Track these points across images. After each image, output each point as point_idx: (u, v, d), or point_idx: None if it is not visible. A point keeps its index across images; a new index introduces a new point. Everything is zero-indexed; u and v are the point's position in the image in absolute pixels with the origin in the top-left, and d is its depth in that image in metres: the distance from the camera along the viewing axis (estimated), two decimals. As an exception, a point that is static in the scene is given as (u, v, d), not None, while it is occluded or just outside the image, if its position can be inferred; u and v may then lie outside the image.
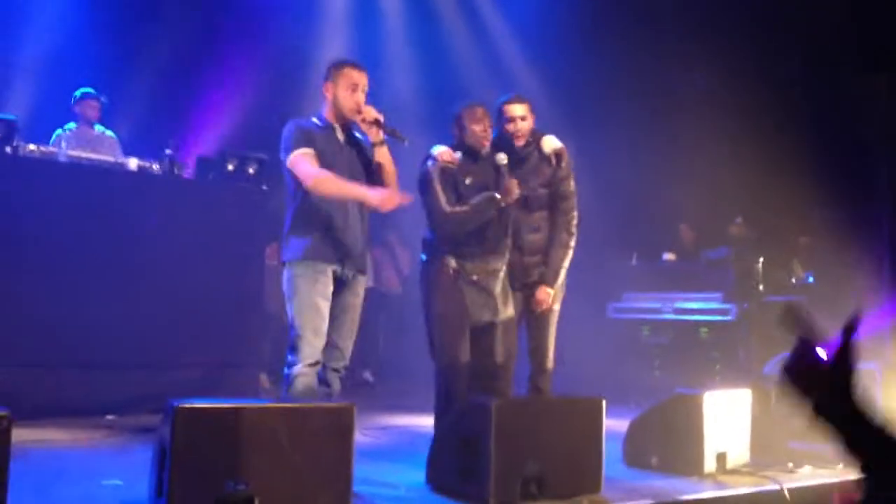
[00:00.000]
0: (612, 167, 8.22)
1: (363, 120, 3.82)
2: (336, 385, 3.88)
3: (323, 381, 3.82)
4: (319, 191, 3.73)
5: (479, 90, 8.46)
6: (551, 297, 4.37)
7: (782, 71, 8.35)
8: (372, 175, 3.91)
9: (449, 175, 4.21)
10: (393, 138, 3.83)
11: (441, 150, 4.27)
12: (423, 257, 4.37)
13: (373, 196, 3.71)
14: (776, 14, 8.28)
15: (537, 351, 4.42)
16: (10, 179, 5.50)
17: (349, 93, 3.84)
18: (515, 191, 4.14)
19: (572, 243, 4.40)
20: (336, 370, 3.87)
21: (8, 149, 5.53)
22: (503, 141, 4.33)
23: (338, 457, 2.98)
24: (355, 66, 3.92)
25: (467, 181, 4.21)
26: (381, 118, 3.83)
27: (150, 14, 8.26)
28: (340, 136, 3.91)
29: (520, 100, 4.39)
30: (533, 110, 4.40)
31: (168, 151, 6.29)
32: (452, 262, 4.21)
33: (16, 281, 5.36)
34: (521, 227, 4.36)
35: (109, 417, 5.39)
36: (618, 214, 8.31)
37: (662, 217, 8.33)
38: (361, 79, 3.89)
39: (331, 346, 3.81)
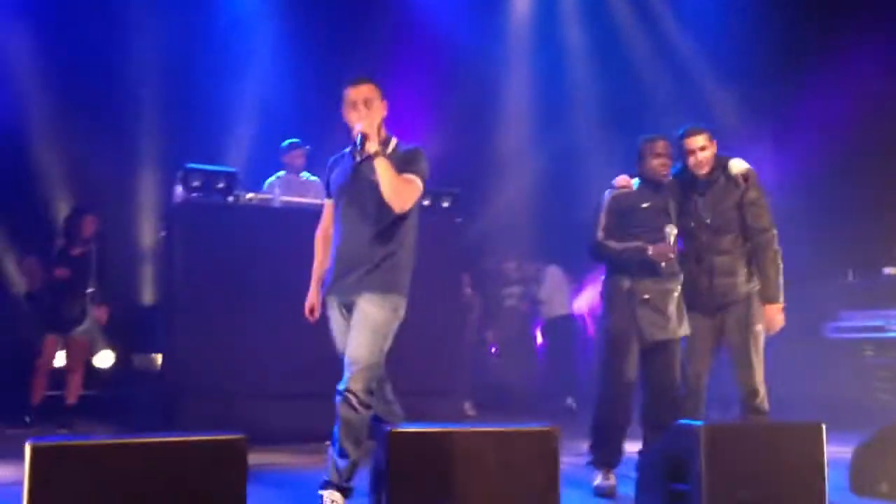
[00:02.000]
0: (824, 181, 7.84)
1: (355, 137, 3.61)
2: (342, 411, 3.54)
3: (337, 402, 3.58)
4: None
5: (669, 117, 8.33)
6: (781, 313, 4.30)
7: None
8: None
9: (623, 200, 4.34)
10: (362, 149, 3.55)
11: (619, 178, 4.42)
12: (602, 276, 4.52)
13: (309, 300, 3.85)
14: None
15: (744, 373, 4.32)
16: (233, 226, 6.01)
17: (349, 111, 3.71)
18: (669, 256, 4.18)
19: (780, 260, 4.35)
20: (340, 393, 3.55)
21: (230, 198, 6.05)
22: (686, 172, 4.40)
23: (544, 480, 3.01)
24: (351, 81, 3.75)
25: (644, 205, 4.31)
26: (366, 131, 3.56)
27: (342, 64, 8.78)
28: (357, 157, 3.68)
29: (697, 131, 4.40)
30: (713, 137, 4.41)
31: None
32: (626, 282, 4.30)
33: (243, 318, 5.84)
34: (710, 251, 4.36)
35: (328, 444, 5.71)
36: (829, 230, 7.87)
37: (881, 231, 7.81)
38: (354, 94, 3.71)
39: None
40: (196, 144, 7.73)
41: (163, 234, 6.96)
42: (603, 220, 4.32)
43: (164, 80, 8.42)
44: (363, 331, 3.54)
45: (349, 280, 3.60)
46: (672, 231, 4.21)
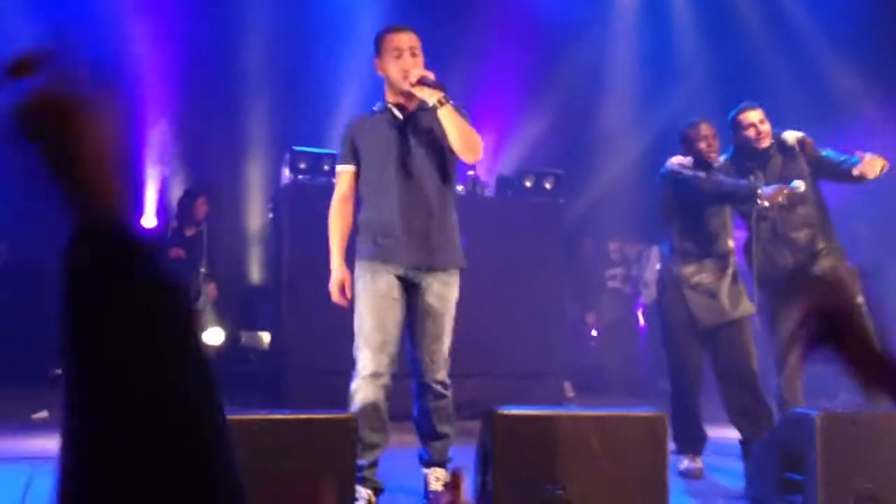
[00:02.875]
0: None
1: (412, 85, 3.25)
2: (432, 402, 3.36)
3: (417, 395, 3.41)
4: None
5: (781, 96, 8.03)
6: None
7: None
8: (440, 152, 3.37)
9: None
10: (439, 90, 3.22)
11: (675, 158, 4.38)
12: (658, 266, 4.58)
13: (334, 277, 3.39)
14: None
15: None
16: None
17: (394, 60, 3.33)
18: (778, 199, 4.04)
19: None
20: (425, 384, 3.36)
21: (335, 179, 6.15)
22: (743, 150, 4.31)
23: (651, 466, 2.98)
24: (396, 28, 3.41)
25: None
26: (429, 75, 3.25)
27: (445, 43, 8.79)
28: (398, 115, 3.39)
29: (753, 107, 4.34)
30: (767, 115, 4.34)
31: (471, 173, 6.65)
32: (675, 269, 4.29)
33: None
34: (784, 228, 4.23)
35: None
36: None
37: None
38: (405, 40, 3.35)
39: (413, 357, 3.40)
40: (303, 127, 7.90)
41: (270, 215, 7.16)
42: (685, 171, 4.23)
43: (271, 64, 8.60)
44: (444, 317, 3.33)
45: (416, 253, 3.30)
46: (799, 183, 4.03)
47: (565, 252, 8.04)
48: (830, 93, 8.62)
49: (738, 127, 4.33)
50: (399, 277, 3.33)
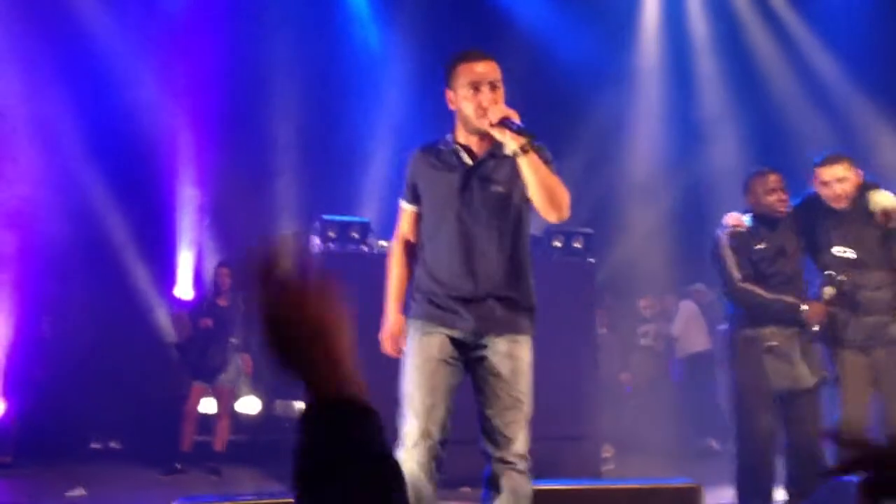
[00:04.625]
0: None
1: (491, 125, 2.80)
2: (507, 482, 2.83)
3: (489, 478, 2.89)
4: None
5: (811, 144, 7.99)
6: None
7: None
8: (511, 207, 2.94)
9: (739, 239, 4.09)
10: (522, 136, 2.74)
11: (731, 216, 4.18)
12: (726, 325, 4.36)
13: (386, 326, 3.07)
14: None
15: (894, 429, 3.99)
16: (368, 274, 6.12)
17: (471, 94, 2.89)
18: (821, 319, 3.93)
19: None
20: (502, 461, 2.85)
21: (365, 247, 6.22)
22: (820, 202, 4.06)
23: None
24: (473, 56, 2.95)
25: (760, 246, 4.06)
26: (513, 115, 2.77)
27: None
28: (467, 159, 2.97)
29: (836, 160, 4.04)
30: (855, 165, 4.05)
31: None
32: (748, 331, 4.08)
33: (380, 367, 5.92)
34: (858, 288, 4.01)
35: (464, 489, 5.70)
36: None
37: None
38: (485, 71, 2.91)
39: (483, 430, 2.92)
40: (332, 195, 8.00)
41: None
42: (733, 262, 4.08)
43: (300, 133, 8.77)
44: (522, 379, 2.89)
45: (474, 321, 2.89)
46: (828, 289, 3.95)
47: (606, 310, 7.99)
48: (859, 139, 8.57)
49: (817, 178, 4.06)
50: (456, 339, 2.92)
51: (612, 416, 7.78)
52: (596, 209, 8.68)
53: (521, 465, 2.83)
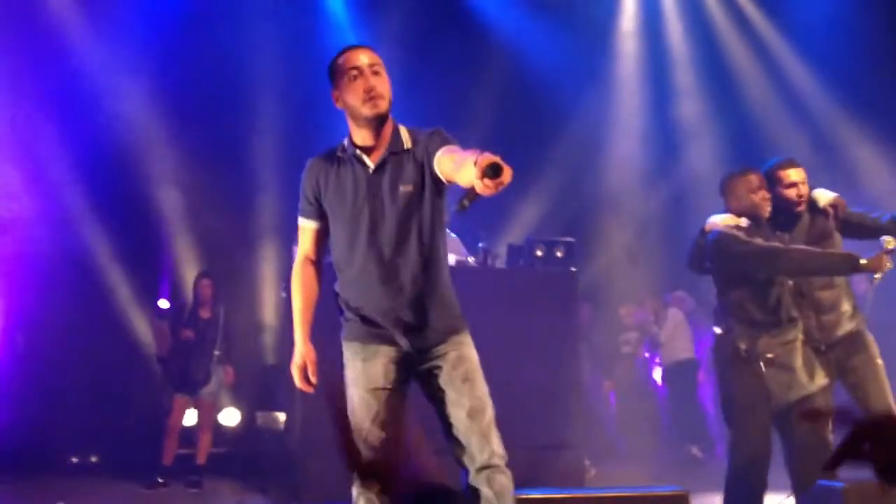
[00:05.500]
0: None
1: (374, 109, 2.73)
2: (493, 486, 2.73)
3: (468, 488, 2.77)
4: None
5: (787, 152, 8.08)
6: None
7: None
8: (424, 204, 2.78)
9: (743, 232, 3.98)
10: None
11: (725, 219, 4.03)
12: (715, 331, 4.19)
13: (296, 357, 2.92)
14: None
15: (876, 412, 3.99)
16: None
17: (353, 83, 2.74)
18: (886, 266, 3.73)
19: None
20: (485, 466, 2.75)
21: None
22: (776, 206, 4.02)
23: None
24: (349, 48, 2.83)
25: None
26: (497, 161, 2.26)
27: (456, 119, 8.93)
28: (368, 162, 2.80)
29: (794, 163, 4.07)
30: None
31: (481, 245, 6.67)
32: (743, 343, 3.95)
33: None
34: (810, 286, 4.03)
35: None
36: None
37: None
38: (364, 56, 2.77)
39: (455, 440, 2.79)
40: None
41: (283, 294, 7.18)
42: (747, 239, 3.88)
43: (280, 147, 8.76)
44: (479, 378, 2.82)
45: (409, 337, 2.79)
46: (889, 238, 3.75)
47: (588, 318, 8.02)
48: (829, 140, 8.71)
49: (776, 182, 4.03)
50: (399, 356, 2.80)
51: (594, 425, 7.81)
52: (575, 217, 8.73)
53: (503, 464, 2.76)
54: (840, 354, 4.06)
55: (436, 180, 2.73)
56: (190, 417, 7.09)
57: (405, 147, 2.75)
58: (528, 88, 9.39)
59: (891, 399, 4.01)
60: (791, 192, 4.02)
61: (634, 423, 8.69)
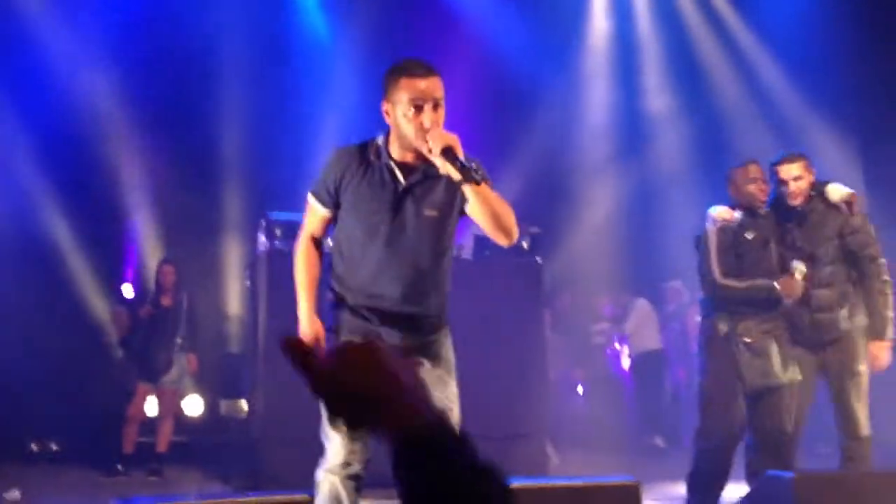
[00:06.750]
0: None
1: (430, 152, 2.64)
2: None
3: None
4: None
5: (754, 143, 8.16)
6: (888, 350, 4.06)
7: None
8: (444, 227, 2.82)
9: (728, 233, 4.11)
10: (465, 175, 2.59)
11: (719, 210, 4.17)
12: (699, 318, 4.36)
13: (304, 331, 2.86)
14: None
15: (845, 417, 4.08)
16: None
17: (412, 112, 2.68)
18: (797, 292, 3.93)
19: (889, 290, 4.09)
20: None
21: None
22: (780, 201, 4.17)
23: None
24: (417, 71, 2.71)
25: (748, 236, 4.10)
26: (454, 144, 2.59)
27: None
28: (400, 177, 2.79)
29: (793, 158, 4.17)
30: (810, 165, 4.18)
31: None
32: (723, 325, 4.09)
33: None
34: (809, 284, 4.08)
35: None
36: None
37: None
38: (430, 88, 2.69)
39: None
40: (277, 193, 7.92)
41: (247, 282, 7.12)
42: (715, 257, 4.08)
43: (245, 134, 8.67)
44: (452, 380, 2.90)
45: (404, 325, 2.85)
46: (799, 266, 3.96)
47: (548, 308, 8.03)
48: (800, 136, 8.80)
49: (775, 178, 4.17)
50: None
51: (559, 415, 7.84)
52: (545, 208, 8.73)
53: None
54: (829, 356, 4.13)
55: (462, 209, 2.80)
56: (152, 405, 7.02)
57: (441, 171, 2.69)
58: (498, 78, 9.37)
59: (859, 405, 4.07)
60: (783, 189, 4.13)
61: (602, 412, 8.74)
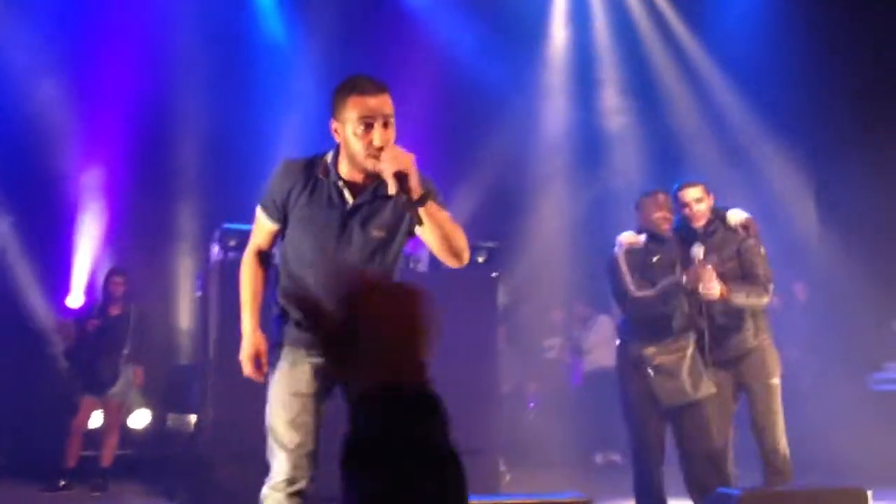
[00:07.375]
0: (869, 230, 7.64)
1: (381, 171, 2.62)
2: None
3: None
4: None
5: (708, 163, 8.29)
6: (713, 280, 4.11)
7: None
8: (390, 248, 2.82)
9: (636, 256, 4.34)
10: (418, 199, 2.56)
11: (625, 235, 4.43)
12: (617, 342, 4.58)
13: (246, 346, 2.88)
14: None
15: (761, 429, 4.30)
16: (268, 285, 6.02)
17: (361, 130, 2.65)
18: (704, 276, 4.10)
19: (765, 299, 4.29)
20: None
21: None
22: (684, 226, 4.41)
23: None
24: (366, 88, 2.68)
25: (654, 259, 4.32)
26: (406, 167, 2.55)
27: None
28: (348, 197, 2.78)
29: (692, 184, 4.46)
30: (709, 190, 4.45)
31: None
32: (634, 349, 4.31)
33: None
34: (714, 305, 4.27)
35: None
36: (875, 275, 7.64)
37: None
38: (379, 105, 2.66)
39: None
40: (232, 203, 7.82)
41: (199, 293, 7.00)
42: (625, 272, 4.31)
43: (198, 143, 8.56)
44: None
45: None
46: (699, 250, 4.16)
47: (503, 322, 8.04)
48: (751, 157, 8.97)
49: (678, 202, 4.43)
50: (323, 367, 2.77)
51: (513, 430, 7.83)
52: (501, 222, 8.75)
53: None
54: (741, 370, 4.35)
55: (410, 230, 2.78)
56: (97, 420, 6.86)
57: (389, 192, 2.66)
58: (455, 91, 9.37)
59: (776, 417, 4.27)
60: (686, 211, 4.39)
61: (555, 428, 8.73)
